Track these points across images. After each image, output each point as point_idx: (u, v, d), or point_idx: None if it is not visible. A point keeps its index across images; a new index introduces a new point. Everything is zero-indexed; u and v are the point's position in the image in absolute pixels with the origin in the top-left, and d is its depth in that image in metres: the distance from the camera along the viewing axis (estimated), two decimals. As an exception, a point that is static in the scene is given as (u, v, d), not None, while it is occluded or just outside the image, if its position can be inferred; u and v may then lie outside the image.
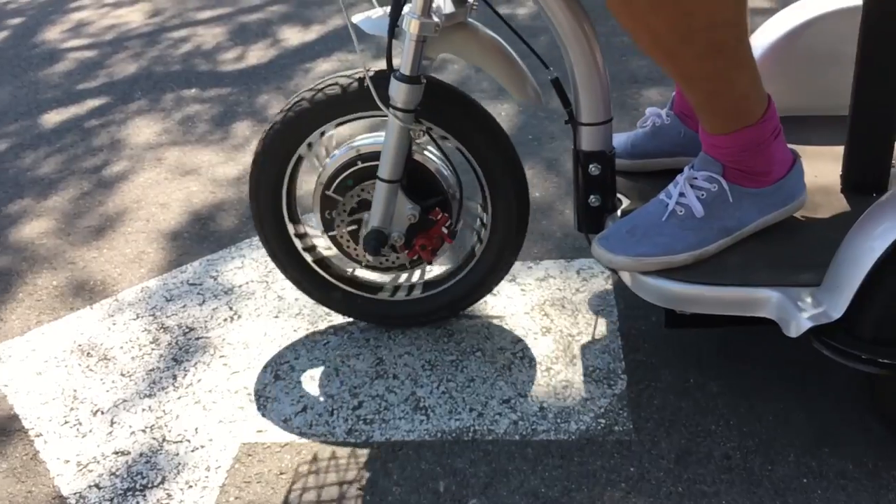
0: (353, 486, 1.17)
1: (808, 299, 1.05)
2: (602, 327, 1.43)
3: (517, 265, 1.62)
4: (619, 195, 1.30)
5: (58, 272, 1.74)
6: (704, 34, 0.98)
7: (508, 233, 1.35)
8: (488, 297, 1.53)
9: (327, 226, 1.37)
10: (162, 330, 1.53)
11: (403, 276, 1.45)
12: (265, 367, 1.41)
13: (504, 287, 1.56)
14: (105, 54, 3.05)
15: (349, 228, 1.36)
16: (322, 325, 1.50)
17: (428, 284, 1.43)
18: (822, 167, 1.32)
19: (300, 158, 1.34)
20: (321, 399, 1.33)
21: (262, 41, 3.04)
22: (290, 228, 1.40)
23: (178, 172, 2.13)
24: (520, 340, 1.42)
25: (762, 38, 1.46)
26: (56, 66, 2.98)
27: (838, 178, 1.28)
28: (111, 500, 1.18)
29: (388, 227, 1.31)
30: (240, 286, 1.64)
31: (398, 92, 1.19)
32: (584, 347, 1.39)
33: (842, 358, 1.03)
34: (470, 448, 1.22)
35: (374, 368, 1.39)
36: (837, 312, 1.01)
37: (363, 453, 1.22)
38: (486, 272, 1.39)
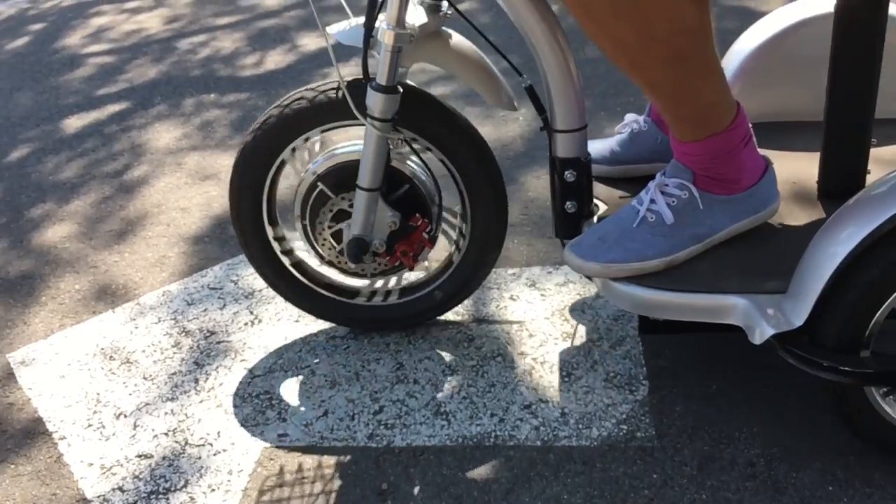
0: (374, 491, 1.17)
1: (773, 306, 1.05)
2: (623, 332, 1.43)
3: (536, 270, 1.62)
4: (597, 201, 1.30)
5: (80, 276, 1.76)
6: (667, 41, 0.98)
7: (487, 236, 1.36)
8: (508, 303, 1.53)
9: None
10: (183, 334, 1.54)
11: (393, 281, 1.47)
12: (286, 371, 1.42)
13: (524, 292, 1.56)
14: (125, 59, 3.07)
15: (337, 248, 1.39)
16: (342, 330, 1.50)
17: (405, 291, 1.45)
18: (801, 173, 1.32)
19: (279, 168, 1.36)
20: (342, 403, 1.34)
21: (280, 46, 3.06)
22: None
23: (199, 177, 2.14)
24: (540, 345, 1.42)
25: (746, 43, 1.46)
26: (77, 71, 3.01)
27: (815, 185, 1.28)
28: (134, 502, 1.19)
29: (369, 234, 1.32)
30: (260, 290, 1.64)
31: (375, 102, 1.20)
32: (604, 353, 1.39)
33: (804, 365, 1.02)
34: (491, 453, 1.21)
35: (395, 373, 1.39)
36: (799, 320, 1.01)
37: (385, 458, 1.22)
38: (467, 277, 1.40)
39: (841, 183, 1.22)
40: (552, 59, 1.14)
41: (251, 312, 1.58)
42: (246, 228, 1.38)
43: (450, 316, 1.51)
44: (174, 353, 1.49)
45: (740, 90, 1.45)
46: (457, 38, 1.27)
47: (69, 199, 2.09)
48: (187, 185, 2.10)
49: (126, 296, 1.67)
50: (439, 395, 1.33)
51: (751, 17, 2.78)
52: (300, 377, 1.40)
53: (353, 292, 1.46)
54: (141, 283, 1.71)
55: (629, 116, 1.40)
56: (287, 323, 1.54)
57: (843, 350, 1.02)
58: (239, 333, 1.52)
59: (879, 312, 1.00)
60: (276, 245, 1.41)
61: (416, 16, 1.20)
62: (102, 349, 1.52)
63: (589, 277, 1.20)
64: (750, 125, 1.14)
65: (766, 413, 1.24)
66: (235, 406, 1.35)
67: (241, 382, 1.40)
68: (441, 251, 1.45)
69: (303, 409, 1.33)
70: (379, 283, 1.46)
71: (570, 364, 1.37)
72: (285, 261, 1.42)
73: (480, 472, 1.19)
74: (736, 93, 1.45)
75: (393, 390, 1.35)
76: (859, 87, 1.14)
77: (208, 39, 3.22)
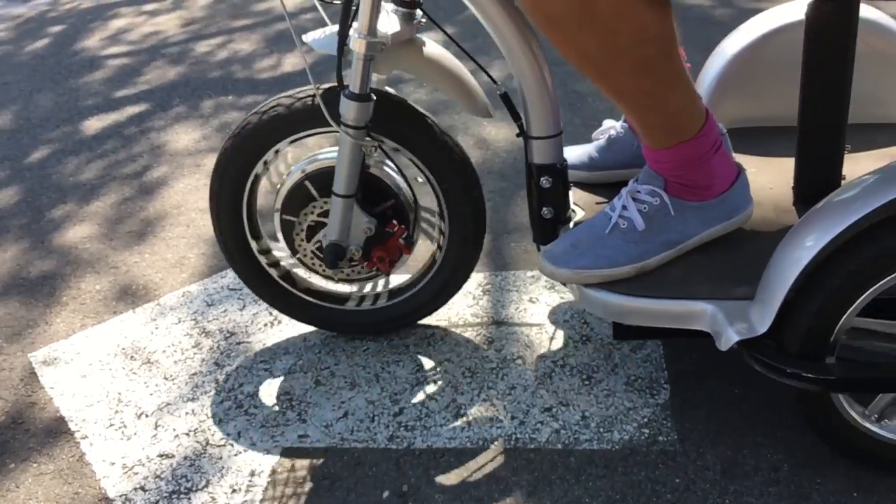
0: (394, 493, 1.17)
1: (740, 313, 1.05)
2: (643, 336, 1.42)
3: (556, 273, 1.62)
4: (575, 207, 1.30)
5: (101, 276, 1.77)
6: (630, 51, 0.99)
7: (465, 241, 1.36)
8: (528, 305, 1.53)
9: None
10: (203, 334, 1.54)
11: (368, 287, 1.48)
12: (306, 372, 1.42)
13: (544, 294, 1.55)
14: (144, 61, 3.09)
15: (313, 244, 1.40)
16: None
17: (392, 294, 1.45)
18: (778, 178, 1.32)
19: (256, 179, 1.37)
20: (362, 405, 1.34)
21: (296, 48, 3.07)
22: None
23: (217, 178, 2.15)
24: (560, 348, 1.41)
25: (726, 49, 1.45)
26: (96, 73, 3.03)
27: (791, 190, 1.27)
28: (156, 502, 1.19)
29: (345, 240, 1.32)
30: (279, 291, 1.65)
31: (348, 109, 1.21)
32: (625, 356, 1.38)
33: (768, 372, 1.02)
34: (512, 456, 1.21)
35: (415, 375, 1.39)
36: (763, 326, 1.01)
37: (405, 460, 1.22)
38: (446, 281, 1.40)
39: (815, 188, 1.21)
40: (526, 66, 1.14)
41: (270, 313, 1.58)
42: (225, 232, 1.40)
43: (469, 318, 1.51)
44: (194, 353, 1.50)
45: (721, 95, 1.45)
46: (431, 46, 1.27)
47: (89, 199, 2.10)
48: (206, 187, 2.11)
49: (146, 296, 1.68)
50: (459, 398, 1.33)
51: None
52: (320, 378, 1.40)
53: (343, 298, 1.47)
54: (161, 283, 1.72)
55: (607, 122, 1.41)
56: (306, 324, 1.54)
57: (807, 357, 1.02)
58: (259, 334, 1.53)
59: (844, 319, 1.00)
60: (257, 250, 1.42)
61: (389, 24, 1.21)
62: (123, 349, 1.53)
63: (564, 284, 1.20)
64: (720, 132, 1.14)
65: (790, 418, 1.23)
66: (255, 407, 1.35)
67: (260, 383, 1.40)
68: (425, 251, 1.45)
69: (322, 410, 1.33)
70: (367, 288, 1.47)
71: (590, 367, 1.36)
72: (273, 273, 1.44)
73: (501, 474, 1.18)
74: (716, 98, 1.45)
75: (413, 392, 1.35)
76: (831, 92, 1.13)
77: (226, 42, 3.23)
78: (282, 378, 1.41)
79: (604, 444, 1.21)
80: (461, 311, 1.53)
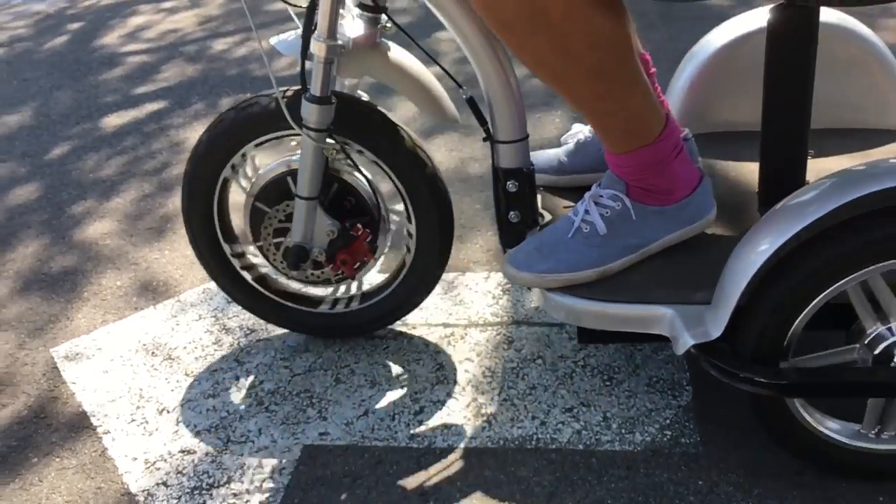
0: (415, 491, 1.17)
1: (697, 317, 1.05)
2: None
3: (576, 273, 1.61)
4: (543, 211, 1.30)
5: (121, 272, 1.78)
6: (584, 56, 0.99)
7: (433, 242, 1.35)
8: (548, 305, 1.53)
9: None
10: (224, 331, 1.55)
11: (342, 290, 1.47)
12: (326, 370, 1.42)
13: (563, 295, 1.55)
14: (162, 59, 3.11)
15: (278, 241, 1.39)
16: (381, 330, 1.51)
17: (364, 297, 1.44)
18: (744, 183, 1.31)
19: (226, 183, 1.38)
20: (382, 403, 1.34)
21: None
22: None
23: (236, 176, 2.16)
24: (581, 349, 1.41)
25: (698, 54, 1.45)
26: (115, 70, 3.04)
27: (756, 195, 1.26)
28: (178, 498, 1.20)
29: (308, 242, 1.33)
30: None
31: (309, 112, 1.21)
32: (646, 357, 1.37)
33: (721, 376, 1.01)
34: (533, 456, 1.21)
35: (435, 374, 1.39)
36: (717, 330, 1.01)
37: (425, 459, 1.22)
38: (417, 282, 1.39)
39: (779, 193, 1.21)
40: (491, 71, 1.14)
41: (290, 311, 1.59)
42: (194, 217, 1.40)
43: (489, 318, 1.51)
44: (215, 350, 1.50)
45: (693, 99, 1.45)
46: (396, 51, 1.27)
47: (109, 196, 2.11)
48: (225, 184, 2.11)
49: (167, 293, 1.69)
50: (480, 397, 1.33)
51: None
52: (340, 376, 1.40)
53: (317, 301, 1.46)
54: (181, 280, 1.73)
55: (576, 126, 1.41)
56: (326, 322, 1.54)
57: (762, 361, 1.01)
58: (278, 331, 1.53)
59: (797, 322, 0.99)
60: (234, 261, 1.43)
61: (353, 28, 1.21)
62: (144, 345, 1.53)
63: (529, 288, 1.19)
64: (682, 137, 1.13)
65: (813, 421, 1.22)
66: (276, 404, 1.36)
67: (281, 380, 1.41)
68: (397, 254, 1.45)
69: (343, 408, 1.34)
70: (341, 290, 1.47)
71: (611, 368, 1.36)
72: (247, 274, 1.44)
73: (522, 474, 1.18)
74: (688, 102, 1.45)
75: (433, 391, 1.35)
76: (793, 97, 1.13)
77: (243, 39, 3.24)
78: (302, 375, 1.42)
79: (626, 446, 1.21)
80: (481, 310, 1.53)
